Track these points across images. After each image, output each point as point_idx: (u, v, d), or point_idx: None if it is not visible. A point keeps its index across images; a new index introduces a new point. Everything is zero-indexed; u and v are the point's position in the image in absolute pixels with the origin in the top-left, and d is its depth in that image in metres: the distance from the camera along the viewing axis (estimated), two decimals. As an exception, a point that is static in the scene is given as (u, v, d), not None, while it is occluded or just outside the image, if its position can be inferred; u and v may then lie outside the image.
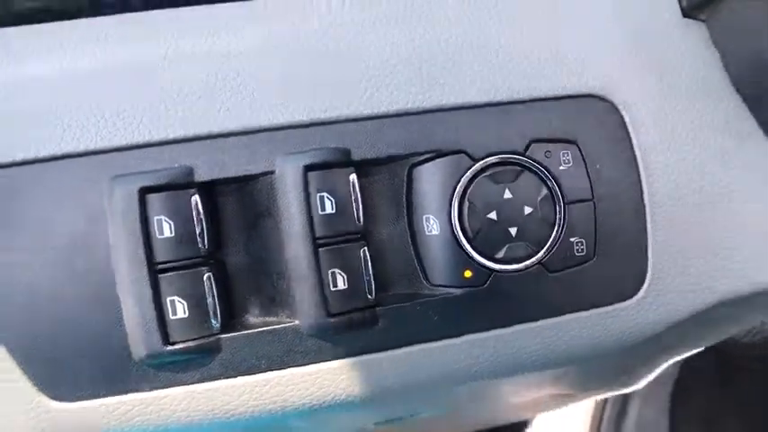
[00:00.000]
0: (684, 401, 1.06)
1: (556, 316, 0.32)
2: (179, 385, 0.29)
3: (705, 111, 0.34)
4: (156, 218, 0.28)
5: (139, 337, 0.28)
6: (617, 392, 0.61)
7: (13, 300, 0.27)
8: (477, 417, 0.61)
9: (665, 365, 0.59)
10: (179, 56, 0.29)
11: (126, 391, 0.29)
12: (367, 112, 0.30)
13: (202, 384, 0.29)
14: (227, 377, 0.30)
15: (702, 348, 0.67)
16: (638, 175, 0.32)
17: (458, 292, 0.31)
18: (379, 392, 0.31)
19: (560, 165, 0.31)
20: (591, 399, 0.99)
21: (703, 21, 0.34)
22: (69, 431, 0.29)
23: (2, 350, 0.28)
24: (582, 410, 1.08)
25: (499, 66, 0.31)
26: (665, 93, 0.33)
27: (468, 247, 0.31)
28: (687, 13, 0.34)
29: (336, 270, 0.29)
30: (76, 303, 0.28)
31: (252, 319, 0.31)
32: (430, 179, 0.31)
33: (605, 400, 1.10)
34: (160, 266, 0.28)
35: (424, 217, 0.31)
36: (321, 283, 0.29)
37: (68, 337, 0.28)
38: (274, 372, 0.30)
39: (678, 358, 0.56)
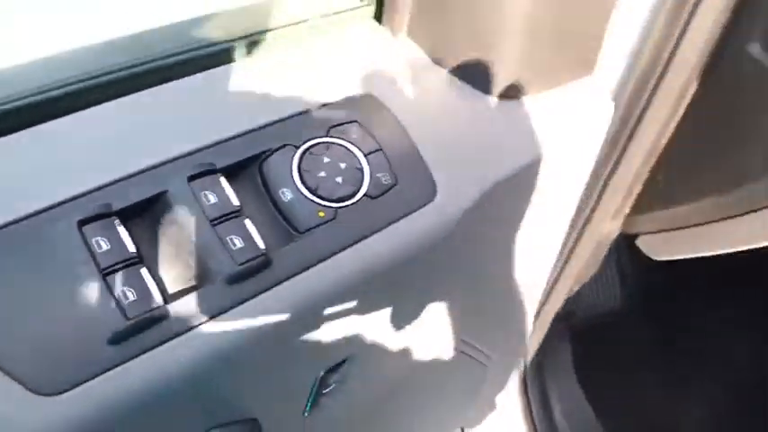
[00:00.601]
0: (590, 378, 1.22)
1: (387, 227, 0.47)
2: (143, 352, 0.39)
3: (437, 89, 0.54)
4: (93, 239, 0.40)
5: (105, 322, 0.38)
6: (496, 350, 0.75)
7: None
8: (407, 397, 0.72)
9: (524, 325, 0.75)
10: (86, 138, 0.43)
11: (103, 371, 0.38)
12: (223, 136, 0.45)
13: (161, 347, 0.40)
14: (178, 335, 0.40)
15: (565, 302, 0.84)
16: (404, 129, 0.50)
17: (320, 228, 0.45)
18: (286, 321, 0.43)
19: (353, 135, 0.49)
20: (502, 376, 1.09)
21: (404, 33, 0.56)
22: (63, 423, 0.37)
23: None
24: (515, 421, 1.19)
25: (307, 89, 0.50)
26: (405, 88, 0.53)
27: (314, 198, 0.46)
28: (393, 33, 0.55)
29: (232, 236, 0.42)
30: (50, 313, 0.38)
31: (184, 293, 0.42)
32: (274, 166, 0.46)
33: (530, 411, 1.22)
34: (106, 270, 0.39)
35: (280, 191, 0.46)
36: (224, 247, 0.42)
37: (47, 342, 0.37)
38: (210, 322, 0.41)
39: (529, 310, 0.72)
